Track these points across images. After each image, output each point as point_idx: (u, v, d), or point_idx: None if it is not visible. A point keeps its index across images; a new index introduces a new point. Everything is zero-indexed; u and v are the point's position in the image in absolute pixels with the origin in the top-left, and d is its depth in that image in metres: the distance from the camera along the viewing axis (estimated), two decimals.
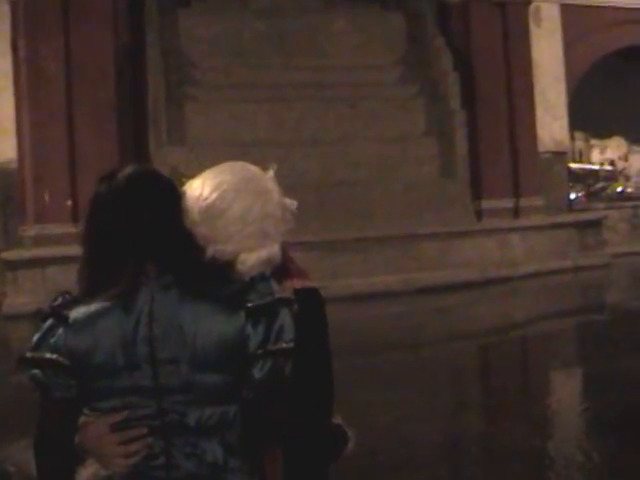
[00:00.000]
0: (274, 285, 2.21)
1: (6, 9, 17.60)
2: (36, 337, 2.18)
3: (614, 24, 23.63)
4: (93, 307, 2.15)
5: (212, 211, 2.23)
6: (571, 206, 23.97)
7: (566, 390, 9.84)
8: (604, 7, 23.22)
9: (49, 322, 2.18)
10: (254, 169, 2.37)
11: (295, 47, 18.75)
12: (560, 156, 22.60)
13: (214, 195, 2.24)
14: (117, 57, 17.52)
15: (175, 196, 2.27)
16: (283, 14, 19.05)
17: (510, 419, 7.92)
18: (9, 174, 17.62)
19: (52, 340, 2.16)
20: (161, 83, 17.67)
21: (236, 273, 2.23)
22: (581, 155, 69.21)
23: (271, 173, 2.37)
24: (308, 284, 2.37)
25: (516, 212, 19.76)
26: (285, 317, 2.17)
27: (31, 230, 16.64)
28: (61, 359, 2.15)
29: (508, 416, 8.12)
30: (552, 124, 21.92)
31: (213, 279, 2.19)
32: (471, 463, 6.52)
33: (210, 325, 2.13)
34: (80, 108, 17.05)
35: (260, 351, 2.14)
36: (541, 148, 21.23)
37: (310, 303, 2.36)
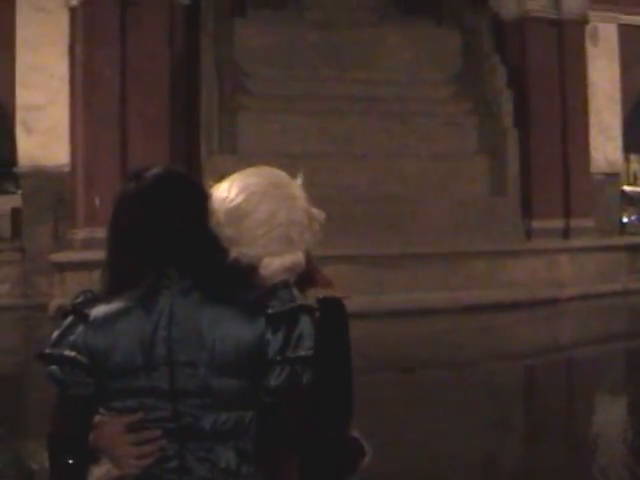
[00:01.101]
0: (296, 292, 2.19)
1: (65, 14, 17.81)
2: (56, 334, 2.18)
3: None
4: (114, 306, 2.14)
5: (238, 213, 2.22)
6: (623, 229, 23.70)
7: (609, 415, 9.69)
8: None
9: (69, 319, 2.18)
10: (282, 175, 2.35)
11: (348, 60, 18.74)
12: (613, 178, 22.37)
13: (240, 197, 2.24)
14: (172, 65, 17.64)
15: (202, 197, 2.25)
16: (337, 27, 19.07)
17: (549, 441, 7.81)
18: (61, 178, 17.81)
19: (72, 337, 2.15)
20: (214, 92, 17.76)
21: (258, 278, 2.21)
22: (635, 178, 68.48)
23: (299, 180, 2.34)
24: (332, 294, 2.33)
25: (566, 233, 19.56)
26: (305, 325, 2.15)
27: (81, 233, 16.79)
28: (79, 357, 2.14)
29: (546, 438, 8.00)
30: (606, 145, 21.71)
31: (235, 284, 2.17)
32: None
33: (229, 330, 2.11)
34: (133, 115, 17.17)
35: (278, 358, 2.12)
36: (594, 169, 21.02)
37: (333, 313, 2.32)
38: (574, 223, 19.62)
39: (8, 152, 19.04)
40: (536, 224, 19.17)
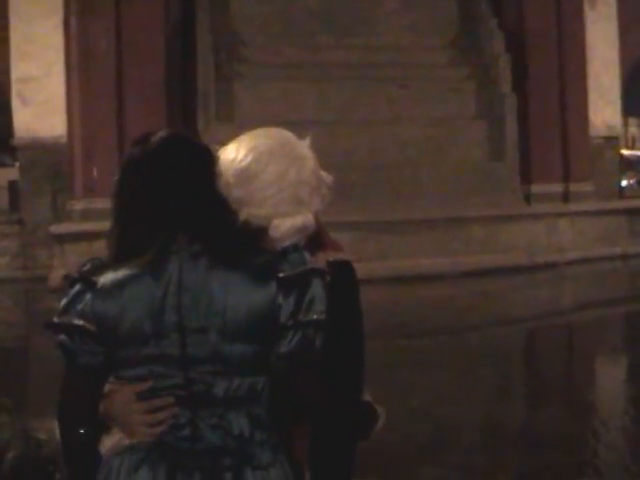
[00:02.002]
0: (307, 255, 2.15)
1: None
2: (63, 302, 2.14)
3: None
4: (122, 273, 2.11)
5: (246, 173, 2.18)
6: (622, 193, 23.67)
7: (610, 378, 9.75)
8: None
9: (77, 287, 2.14)
10: (290, 135, 2.32)
11: (345, 26, 18.65)
12: (612, 142, 22.28)
13: (249, 157, 2.20)
14: (167, 35, 17.55)
15: (210, 160, 2.21)
16: None
17: (551, 405, 7.83)
18: (58, 149, 17.74)
19: (79, 306, 2.12)
20: (210, 61, 17.67)
21: (268, 240, 2.17)
22: (634, 142, 68.41)
23: (308, 141, 2.30)
24: (342, 256, 2.30)
25: (566, 197, 19.51)
26: (317, 288, 2.10)
27: (79, 204, 16.76)
28: (88, 325, 2.11)
29: (549, 402, 8.02)
30: (604, 109, 21.59)
31: (245, 247, 2.13)
32: (505, 447, 6.44)
33: (240, 295, 2.07)
34: (129, 85, 17.12)
35: (290, 322, 2.08)
36: (593, 133, 20.92)
37: (343, 275, 2.29)
38: (573, 187, 19.57)
39: (4, 124, 18.98)
40: (535, 188, 19.13)
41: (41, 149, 17.71)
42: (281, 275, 2.09)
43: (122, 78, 17.17)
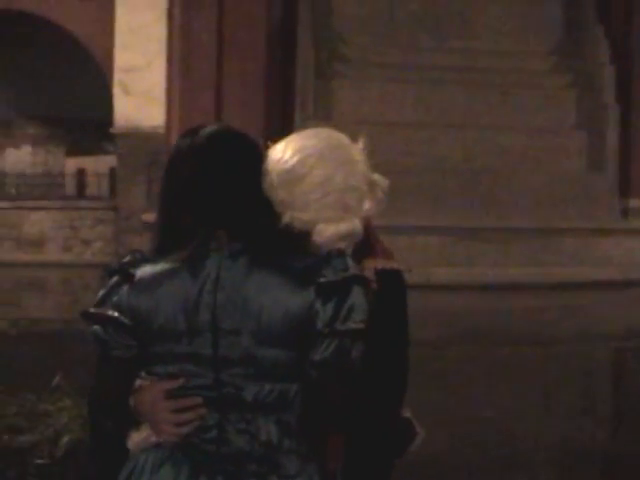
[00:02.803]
0: (350, 262, 2.06)
1: None
2: (101, 293, 2.12)
3: None
4: (159, 268, 2.08)
5: (291, 175, 2.11)
6: None
7: None
8: None
9: (115, 279, 2.12)
10: (342, 137, 2.21)
11: (447, 30, 18.54)
12: None
13: (295, 159, 2.12)
14: (268, 31, 17.67)
15: (257, 158, 2.15)
16: None
17: (629, 428, 7.61)
18: (156, 139, 17.99)
19: (115, 298, 2.09)
20: (311, 58, 17.74)
21: (312, 245, 2.10)
22: None
23: (360, 144, 2.22)
24: (392, 265, 2.22)
25: None
26: (358, 296, 2.02)
27: None
28: (122, 318, 2.08)
29: (628, 425, 7.80)
30: None
31: (286, 250, 2.08)
32: (571, 468, 6.28)
33: (277, 298, 2.02)
34: (229, 79, 17.29)
35: (327, 330, 2.00)
36: None
37: (391, 285, 2.20)
38: None
39: (106, 113, 19.31)
40: (634, 203, 18.74)
41: (139, 138, 18.00)
42: (321, 280, 2.02)
43: (222, 72, 17.36)
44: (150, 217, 16.54)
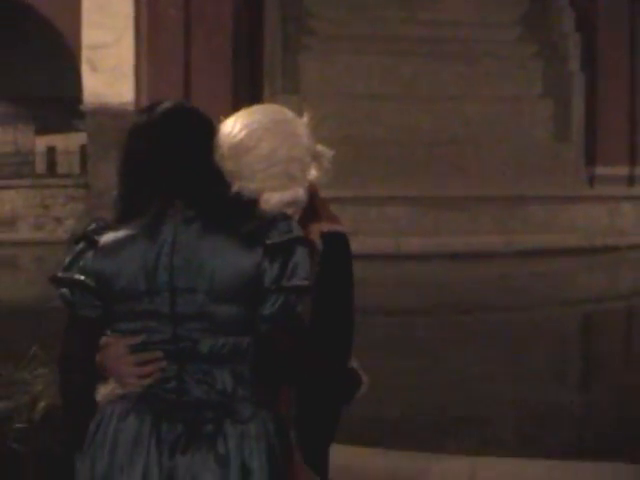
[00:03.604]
0: (294, 225, 2.27)
1: None
2: (68, 259, 2.31)
3: None
4: (121, 234, 2.26)
5: (239, 148, 2.30)
6: None
7: None
8: None
9: (81, 245, 2.31)
10: (287, 112, 2.42)
11: (414, 1, 18.60)
12: None
13: (243, 132, 2.31)
14: (235, 5, 17.68)
15: (209, 132, 2.34)
16: None
17: (593, 388, 7.83)
18: (126, 115, 17.93)
19: (81, 263, 2.29)
20: (278, 32, 17.81)
21: (259, 211, 2.29)
22: None
23: (305, 119, 2.41)
24: (337, 228, 2.42)
25: (630, 180, 19.31)
26: (301, 256, 2.22)
27: None
28: (88, 280, 2.27)
29: (594, 385, 8.02)
30: None
31: (236, 215, 2.26)
32: (534, 425, 6.47)
33: (228, 258, 2.21)
34: (197, 54, 17.32)
35: (273, 286, 2.21)
36: None
37: (336, 246, 2.40)
38: (639, 171, 19.35)
39: (75, 90, 19.30)
40: (600, 170, 18.97)
41: (109, 115, 17.97)
42: (268, 242, 2.22)
43: (190, 47, 17.38)
44: None
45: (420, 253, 14.63)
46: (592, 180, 18.89)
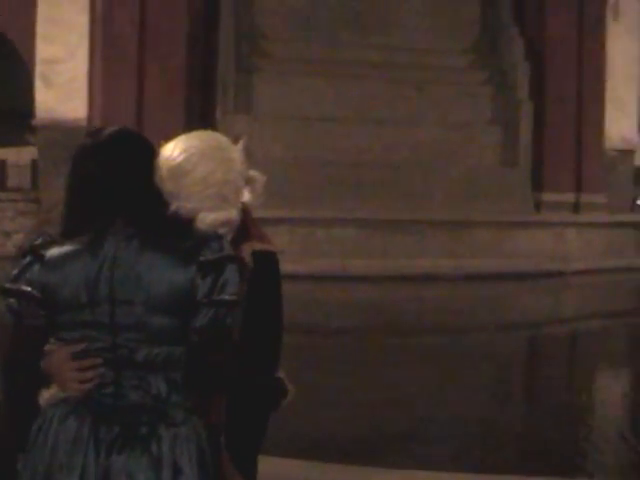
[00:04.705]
0: (225, 244, 2.46)
1: None
2: (15, 271, 2.48)
3: None
4: (66, 249, 2.43)
5: (178, 170, 2.49)
6: (635, 206, 23.69)
7: (604, 387, 9.82)
8: None
9: (27, 259, 2.47)
10: (223, 139, 2.62)
11: (366, 25, 18.84)
12: (627, 155, 22.33)
13: (182, 157, 2.50)
14: (190, 24, 17.79)
15: (150, 155, 2.53)
16: None
17: (538, 409, 7.99)
18: (78, 131, 17.93)
19: (28, 275, 2.45)
20: (232, 52, 17.93)
21: (195, 230, 2.48)
22: None
23: (239, 146, 2.59)
24: (267, 247, 2.60)
25: (576, 207, 19.64)
26: (231, 273, 2.42)
27: None
28: (34, 292, 2.43)
29: (529, 405, 8.20)
30: (621, 121, 21.63)
31: (173, 233, 2.45)
32: (467, 442, 6.62)
33: (164, 274, 2.39)
34: (151, 71, 17.38)
35: (205, 300, 2.39)
36: (608, 145, 21.01)
37: (266, 264, 2.60)
38: (585, 198, 19.68)
39: (27, 104, 19.24)
40: (546, 197, 19.27)
41: (60, 130, 17.95)
42: (201, 259, 2.41)
43: (144, 63, 17.43)
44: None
45: (366, 275, 14.79)
46: (539, 206, 19.18)
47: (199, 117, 17.28)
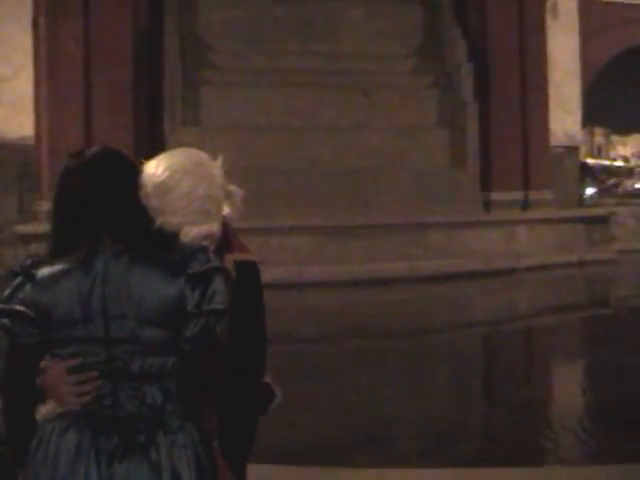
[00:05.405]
0: (212, 256, 2.56)
1: None
2: (7, 292, 2.55)
3: (632, 21, 23.78)
4: (57, 268, 2.51)
5: (163, 187, 2.59)
6: (582, 201, 24.06)
7: (559, 382, 9.99)
8: (622, 3, 23.39)
9: (19, 279, 2.55)
10: (204, 156, 2.73)
11: (311, 34, 18.95)
12: (572, 151, 22.73)
13: (166, 173, 2.61)
14: (135, 39, 17.78)
15: (134, 173, 2.62)
16: (301, 0, 19.25)
17: (493, 405, 8.14)
18: (26, 150, 17.90)
19: (21, 295, 2.52)
20: (178, 66, 17.94)
21: (180, 243, 2.58)
22: (600, 151, 69.05)
23: (219, 162, 2.70)
24: (248, 257, 2.71)
25: (525, 205, 19.90)
26: (219, 283, 2.52)
27: (45, 205, 16.90)
28: (27, 311, 2.50)
29: (491, 402, 8.34)
30: (565, 119, 22.01)
31: (160, 248, 2.55)
32: (437, 439, 6.74)
33: (154, 287, 2.48)
34: (97, 88, 17.35)
35: (195, 310, 2.49)
36: (553, 142, 21.31)
37: (248, 273, 2.72)
38: (533, 195, 19.95)
39: None
40: (495, 196, 19.50)
41: (8, 149, 17.87)
42: (189, 271, 2.50)
43: (90, 80, 17.39)
44: (23, 229, 16.44)
45: (322, 281, 14.89)
46: (488, 205, 19.40)
47: (148, 133, 17.28)
